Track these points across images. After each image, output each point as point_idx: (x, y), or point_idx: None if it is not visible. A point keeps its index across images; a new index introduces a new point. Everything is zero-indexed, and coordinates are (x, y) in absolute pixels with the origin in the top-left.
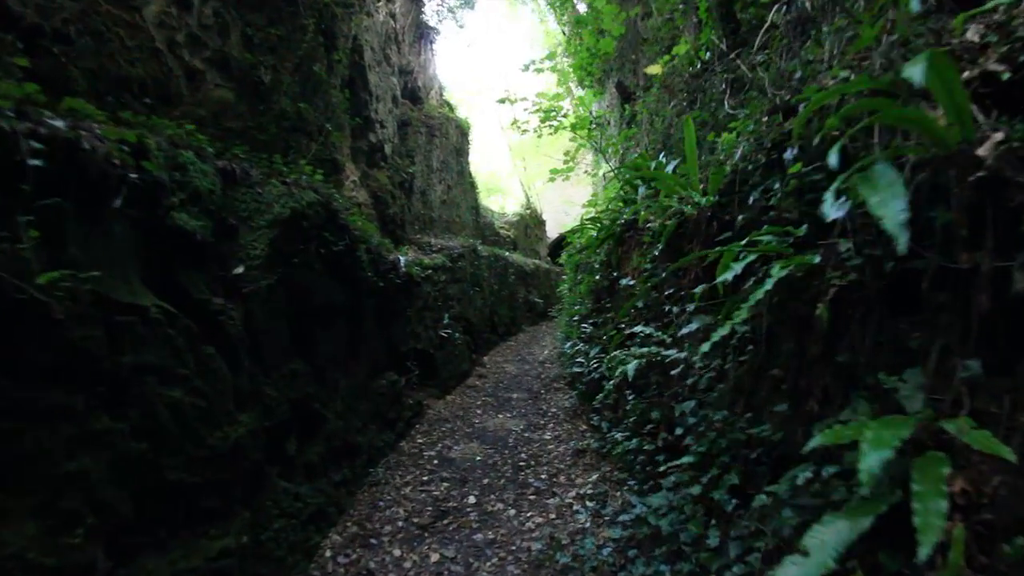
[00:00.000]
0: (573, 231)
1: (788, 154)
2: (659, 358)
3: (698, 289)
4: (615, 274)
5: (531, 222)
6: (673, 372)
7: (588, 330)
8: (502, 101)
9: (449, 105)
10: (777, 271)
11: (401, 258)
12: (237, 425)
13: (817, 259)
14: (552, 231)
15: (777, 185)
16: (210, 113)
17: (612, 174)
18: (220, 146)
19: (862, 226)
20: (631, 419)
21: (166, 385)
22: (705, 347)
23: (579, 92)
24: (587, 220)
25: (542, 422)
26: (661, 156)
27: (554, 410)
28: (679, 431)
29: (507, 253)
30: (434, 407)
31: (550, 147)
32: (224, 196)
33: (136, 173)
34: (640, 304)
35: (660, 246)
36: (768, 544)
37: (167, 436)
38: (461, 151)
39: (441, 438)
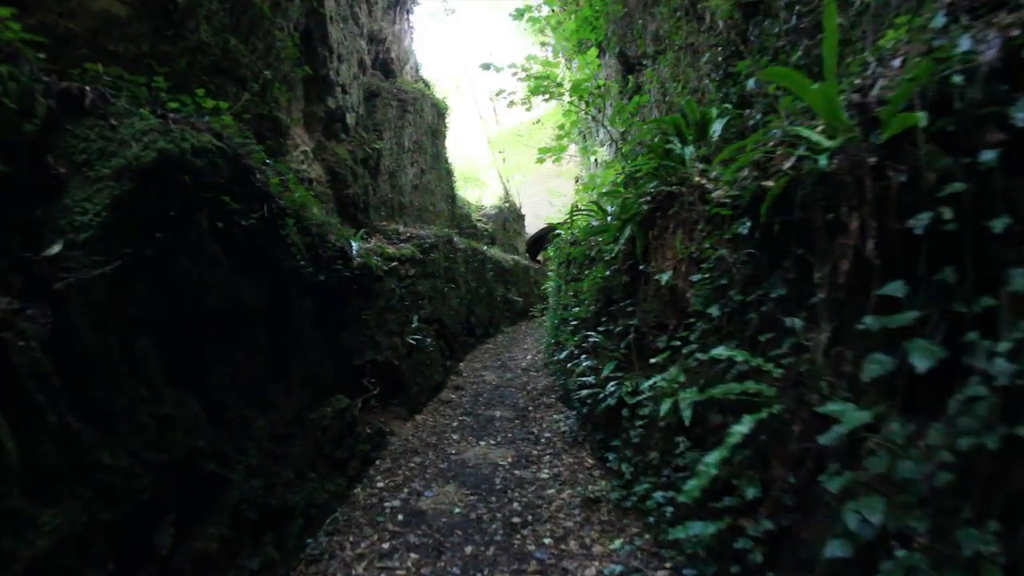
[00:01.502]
0: (564, 222)
1: None
2: (771, 408)
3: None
4: (641, 267)
5: (510, 216)
6: (822, 440)
7: (596, 339)
8: (486, 67)
9: (425, 82)
10: None
11: (354, 244)
12: (28, 535)
13: None
14: (531, 227)
15: None
16: (86, 29)
17: (604, 157)
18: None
19: None
20: (695, 484)
21: None
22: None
23: (573, 69)
24: (583, 207)
25: (535, 452)
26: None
27: (548, 434)
28: (835, 545)
29: (485, 247)
30: (400, 432)
31: (531, 138)
32: (54, 130)
33: None
34: (702, 307)
35: (746, 223)
36: None
37: None
38: (437, 133)
39: (408, 479)
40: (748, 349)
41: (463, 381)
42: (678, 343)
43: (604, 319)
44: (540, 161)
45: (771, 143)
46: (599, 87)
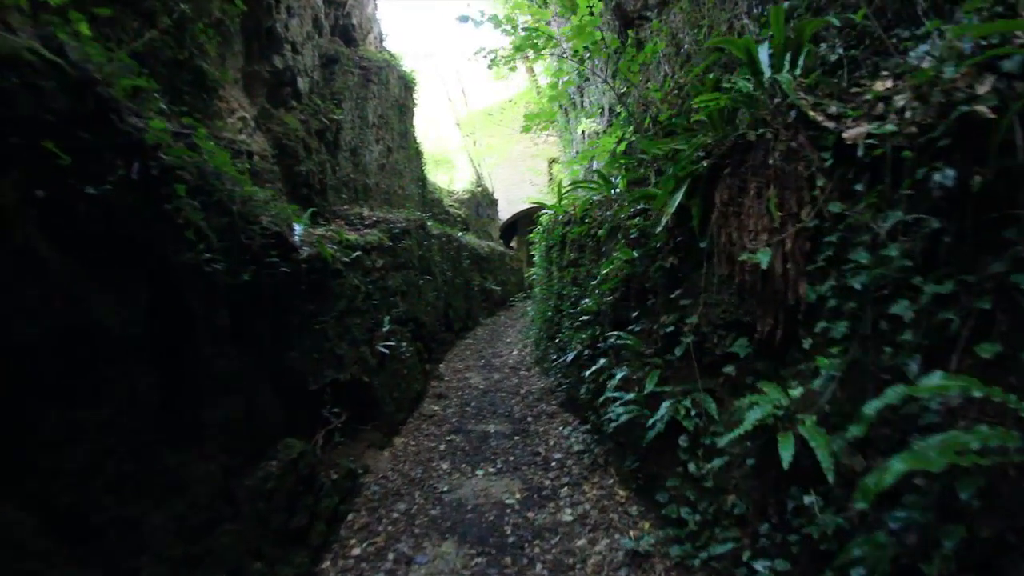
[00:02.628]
0: (552, 202)
1: None
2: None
3: None
4: (702, 245)
5: (483, 201)
6: None
7: (624, 341)
8: (464, 19)
9: (390, 53)
10: None
11: (297, 227)
12: None
13: None
14: (504, 212)
15: None
16: None
17: (595, 127)
18: None
19: None
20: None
21: None
22: None
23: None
24: (578, 181)
25: (547, 481)
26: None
27: (558, 455)
28: None
29: (460, 234)
30: (377, 466)
31: (504, 117)
32: None
33: None
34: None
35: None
36: None
37: None
38: (405, 109)
39: (393, 537)
40: (941, 367)
41: (446, 387)
42: (778, 349)
43: (636, 314)
44: (527, 129)
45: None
46: (600, 39)
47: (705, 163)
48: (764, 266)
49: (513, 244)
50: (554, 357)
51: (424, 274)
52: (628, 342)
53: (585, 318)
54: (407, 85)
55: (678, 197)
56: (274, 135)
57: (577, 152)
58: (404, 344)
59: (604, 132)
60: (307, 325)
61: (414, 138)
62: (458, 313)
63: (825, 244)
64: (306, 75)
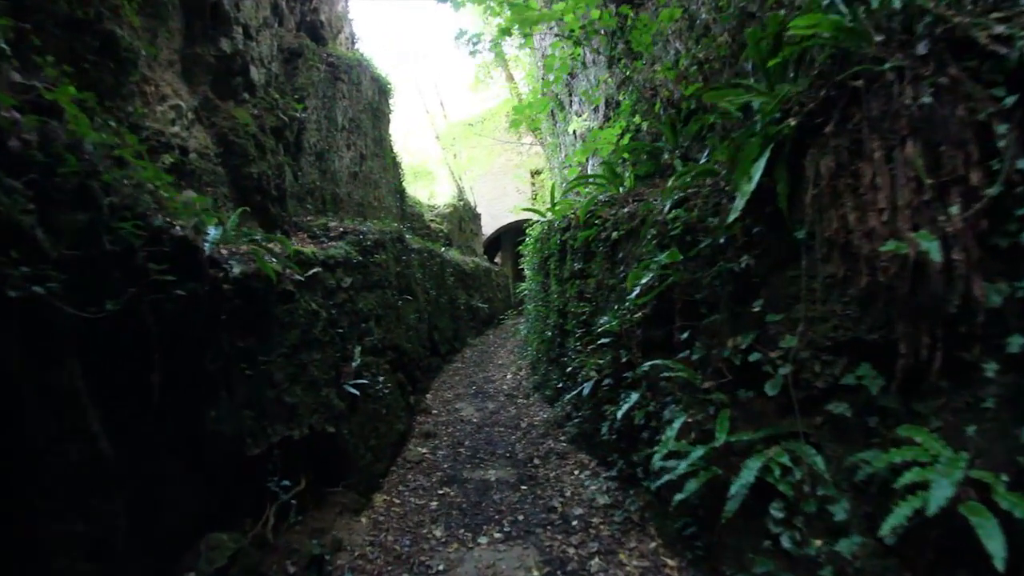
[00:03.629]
0: (551, 207)
1: None
2: None
3: None
4: (802, 236)
5: (465, 215)
6: None
7: (675, 372)
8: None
9: (363, 55)
10: None
11: (211, 232)
12: None
13: None
14: (486, 227)
15: None
16: None
17: (588, 125)
18: None
19: None
20: None
21: None
22: None
23: None
24: (580, 178)
25: (570, 551)
26: None
27: (579, 510)
28: None
29: (442, 249)
30: (352, 539)
31: (484, 128)
32: None
33: None
34: None
35: None
36: None
37: None
38: (379, 114)
39: None
40: None
41: (434, 423)
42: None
43: (685, 335)
44: (515, 124)
45: None
46: (599, 17)
47: (791, 122)
48: (935, 257)
49: (497, 259)
50: (559, 383)
51: (403, 293)
52: (677, 373)
53: (605, 340)
54: (382, 89)
55: (758, 170)
56: (219, 130)
57: (564, 157)
58: (382, 378)
59: (602, 127)
60: (239, 369)
61: (390, 147)
62: (444, 335)
63: (1014, 219)
64: (262, 65)
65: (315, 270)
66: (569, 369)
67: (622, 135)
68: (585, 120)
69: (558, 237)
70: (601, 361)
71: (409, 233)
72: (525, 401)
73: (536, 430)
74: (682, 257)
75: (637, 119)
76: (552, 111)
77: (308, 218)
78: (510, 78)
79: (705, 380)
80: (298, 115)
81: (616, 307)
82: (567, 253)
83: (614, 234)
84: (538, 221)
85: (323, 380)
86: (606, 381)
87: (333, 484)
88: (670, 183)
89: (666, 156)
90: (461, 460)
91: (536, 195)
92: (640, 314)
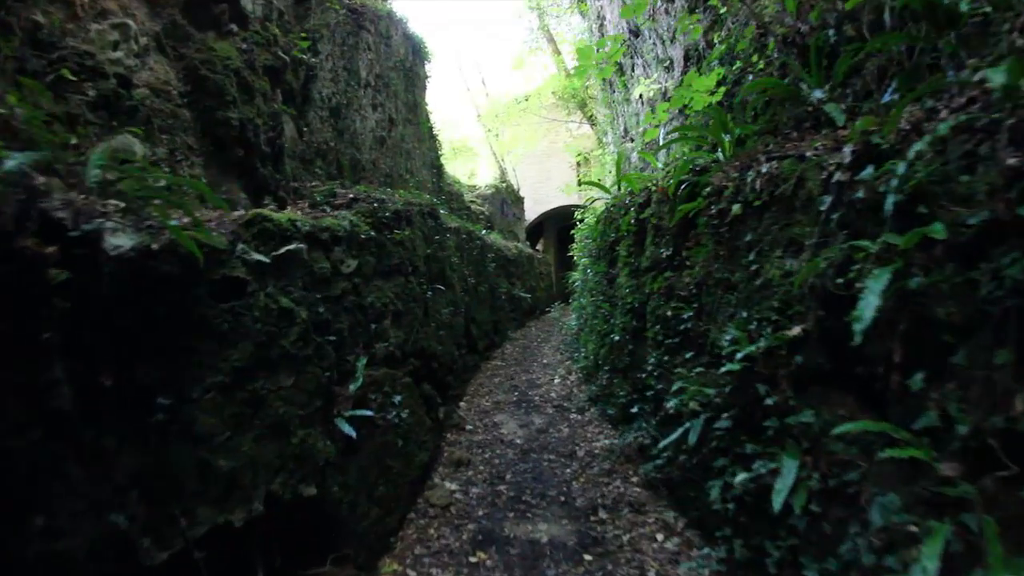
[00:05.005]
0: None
1: None
2: None
3: None
4: None
5: (508, 198)
6: None
7: (903, 450)
8: None
9: (393, 10)
10: None
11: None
12: None
13: None
14: (529, 212)
15: None
16: None
17: (653, 87)
18: None
19: None
20: None
21: None
22: None
23: None
24: (680, 129)
25: None
26: None
27: None
28: None
29: (483, 232)
30: None
31: (530, 105)
32: None
33: None
34: None
35: None
36: None
37: None
38: (414, 76)
39: None
40: None
41: (467, 444)
42: None
43: (922, 381)
44: (581, 71)
45: None
46: None
47: None
48: None
49: (539, 246)
50: (627, 400)
51: (435, 282)
52: (903, 450)
53: (732, 367)
54: (416, 49)
55: None
56: (188, 63)
57: (624, 129)
58: (399, 398)
59: (679, 86)
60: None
61: (427, 115)
62: (483, 329)
63: None
64: None
65: (291, 247)
66: (649, 391)
67: (718, 86)
68: (653, 83)
69: (632, 216)
70: (712, 391)
71: (445, 209)
72: (579, 417)
73: (598, 462)
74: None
75: (739, 64)
76: (609, 81)
77: (314, 183)
78: (556, 52)
79: (946, 462)
80: (304, 58)
81: (744, 314)
82: (646, 236)
83: (734, 208)
84: (599, 199)
85: (298, 418)
86: (721, 422)
87: (317, 559)
88: (858, 125)
89: (813, 101)
90: (501, 505)
91: (582, 179)
92: (799, 330)
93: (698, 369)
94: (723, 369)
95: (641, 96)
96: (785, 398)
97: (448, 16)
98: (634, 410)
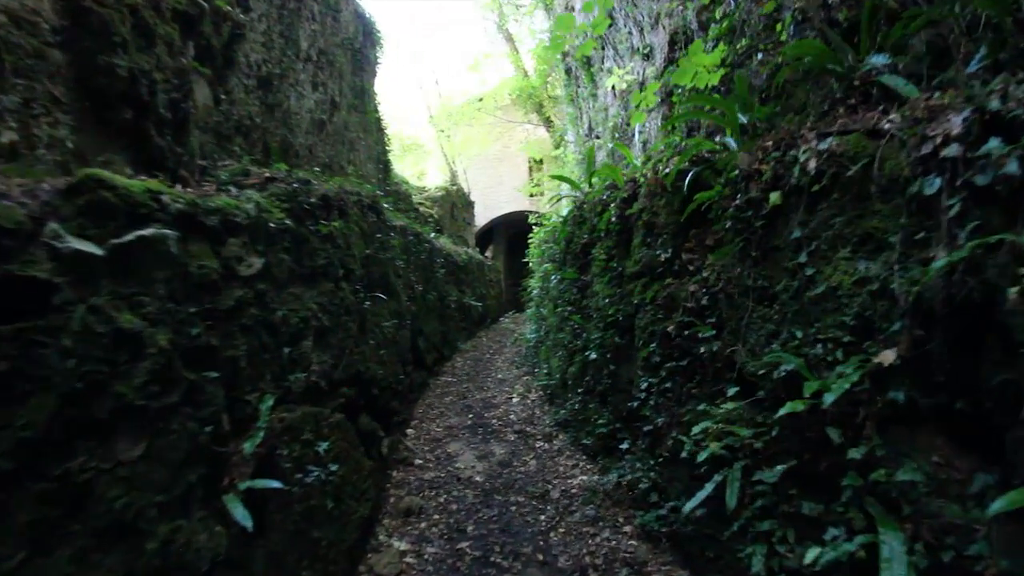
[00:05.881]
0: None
1: None
2: None
3: None
4: None
5: (459, 202)
6: None
7: None
8: None
9: None
10: None
11: None
12: None
13: None
14: (479, 218)
15: None
16: None
17: (627, 80)
18: None
19: None
20: None
21: None
22: None
23: None
24: (692, 102)
25: None
26: None
27: None
28: None
29: (432, 234)
30: None
31: (484, 106)
32: None
33: None
34: None
35: None
36: None
37: None
38: (363, 60)
39: None
40: None
41: (417, 483)
42: None
43: None
44: (556, 43)
45: None
46: None
47: None
48: None
49: (488, 253)
50: (608, 430)
51: (376, 289)
52: None
53: (794, 407)
54: (368, 31)
55: None
56: None
57: (589, 126)
58: (324, 445)
59: (662, 75)
60: None
61: (375, 105)
62: (432, 341)
63: None
64: None
65: (146, 233)
66: (643, 423)
67: (723, 63)
68: (627, 73)
69: (614, 213)
70: (747, 432)
71: (389, 204)
72: (547, 446)
73: (578, 505)
74: None
75: (746, 42)
76: (571, 71)
77: (227, 162)
78: (515, 51)
79: None
80: (232, 12)
81: (798, 334)
82: (632, 236)
83: (772, 196)
84: (566, 196)
85: (156, 507)
86: (765, 474)
87: None
88: None
89: (858, 74)
90: (465, 570)
91: (536, 184)
92: (893, 357)
93: (729, 406)
94: (783, 411)
95: (613, 88)
96: (871, 447)
97: (403, 12)
98: (622, 445)
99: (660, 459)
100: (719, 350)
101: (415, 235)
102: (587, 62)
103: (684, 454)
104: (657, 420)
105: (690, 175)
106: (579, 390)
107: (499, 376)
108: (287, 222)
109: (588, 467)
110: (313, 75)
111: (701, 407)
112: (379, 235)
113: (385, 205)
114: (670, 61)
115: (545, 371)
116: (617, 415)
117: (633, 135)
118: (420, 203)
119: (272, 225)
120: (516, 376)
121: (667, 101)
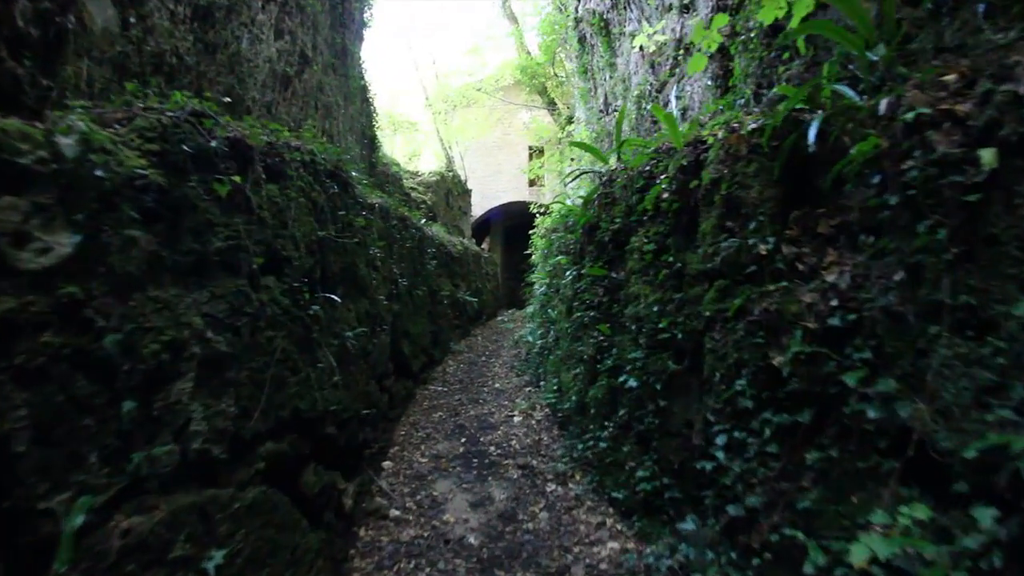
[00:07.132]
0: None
1: None
2: None
3: None
4: None
5: (455, 189)
6: None
7: None
8: None
9: None
10: None
11: None
12: None
13: None
14: (476, 208)
15: None
16: None
17: (660, 38)
18: None
19: None
20: None
21: None
22: None
23: None
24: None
25: None
26: None
27: None
28: None
29: (422, 221)
30: None
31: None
32: None
33: None
34: None
35: None
36: None
37: None
38: (346, 15)
39: None
40: None
41: (390, 550)
42: None
43: None
44: None
45: None
46: None
47: None
48: None
49: (485, 244)
50: (653, 488)
51: (333, 289)
52: None
53: None
54: None
55: None
56: None
57: (605, 100)
58: (217, 557)
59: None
60: None
61: (360, 71)
62: (419, 345)
63: None
64: None
65: None
66: (716, 490)
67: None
68: (657, 33)
69: (666, 185)
70: (935, 552)
71: (362, 174)
72: (561, 491)
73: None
74: None
75: None
76: (584, 39)
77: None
78: (518, 30)
79: None
80: None
81: None
82: (699, 217)
83: (985, 155)
84: (586, 172)
85: None
86: None
87: None
88: None
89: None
90: None
91: (536, 174)
92: None
93: (921, 509)
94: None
95: (642, 49)
96: None
97: None
98: (687, 525)
99: (753, 556)
100: (877, 404)
101: (400, 219)
102: (604, 26)
103: (810, 570)
104: (747, 499)
105: (815, 124)
106: (606, 423)
107: (496, 385)
108: (150, 175)
109: (620, 529)
110: (277, 18)
111: (837, 502)
112: (343, 213)
113: (356, 174)
114: (721, 9)
115: (554, 386)
116: (666, 467)
117: (668, 102)
118: (412, 188)
119: (104, 178)
120: (517, 387)
121: (719, 55)
